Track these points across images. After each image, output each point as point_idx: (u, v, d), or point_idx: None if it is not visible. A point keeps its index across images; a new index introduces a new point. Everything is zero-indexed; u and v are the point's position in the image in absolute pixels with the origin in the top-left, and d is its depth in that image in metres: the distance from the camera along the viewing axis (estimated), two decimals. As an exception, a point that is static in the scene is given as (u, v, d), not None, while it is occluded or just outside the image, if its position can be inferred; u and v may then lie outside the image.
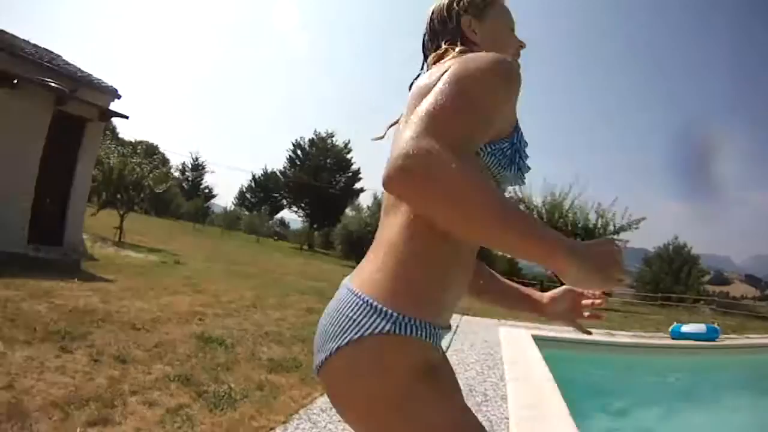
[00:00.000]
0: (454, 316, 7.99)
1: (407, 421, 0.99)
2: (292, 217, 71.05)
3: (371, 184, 63.75)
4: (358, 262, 1.19)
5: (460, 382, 1.19)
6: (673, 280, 39.50)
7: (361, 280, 1.08)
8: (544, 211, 25.75)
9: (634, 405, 5.03)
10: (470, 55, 1.08)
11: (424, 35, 1.34)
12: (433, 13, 1.31)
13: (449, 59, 1.14)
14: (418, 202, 0.88)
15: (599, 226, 25.34)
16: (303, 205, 63.09)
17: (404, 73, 1.34)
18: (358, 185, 64.48)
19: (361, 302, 1.03)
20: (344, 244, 35.48)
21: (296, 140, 64.07)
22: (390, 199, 1.16)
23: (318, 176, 60.68)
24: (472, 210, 0.84)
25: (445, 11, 1.28)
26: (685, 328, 8.03)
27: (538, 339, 5.97)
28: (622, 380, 5.60)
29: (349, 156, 64.34)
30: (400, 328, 0.99)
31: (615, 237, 24.99)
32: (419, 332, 1.01)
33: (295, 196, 63.52)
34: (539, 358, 4.57)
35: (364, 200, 58.99)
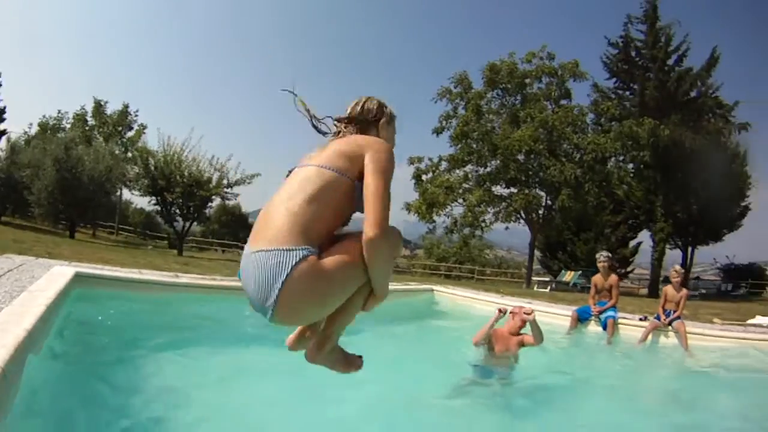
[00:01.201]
0: (26, 257, 7.38)
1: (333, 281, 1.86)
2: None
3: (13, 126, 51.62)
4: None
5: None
6: None
7: (269, 241, 1.85)
8: (162, 162, 24.59)
9: (194, 337, 5.40)
10: (380, 142, 2.13)
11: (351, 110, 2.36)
12: (363, 105, 2.34)
13: (366, 136, 2.20)
14: (378, 249, 1.88)
15: (213, 180, 25.88)
16: (-58, 145, 48.80)
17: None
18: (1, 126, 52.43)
19: (278, 251, 1.82)
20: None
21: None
22: (308, 187, 1.96)
23: (-38, 111, 47.32)
24: (389, 260, 2.01)
25: (375, 109, 2.32)
26: None
27: (84, 276, 5.85)
28: (177, 317, 5.93)
29: (-6, 91, 51.42)
30: (309, 252, 1.83)
31: (228, 191, 26.32)
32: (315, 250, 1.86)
33: (-62, 133, 48.61)
34: (57, 291, 4.39)
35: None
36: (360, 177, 1.99)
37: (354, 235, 1.97)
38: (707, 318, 10.89)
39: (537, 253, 32.10)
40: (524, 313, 5.52)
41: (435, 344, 7.29)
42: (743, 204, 32.91)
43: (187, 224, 27.47)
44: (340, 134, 2.27)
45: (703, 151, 27.22)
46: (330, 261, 1.86)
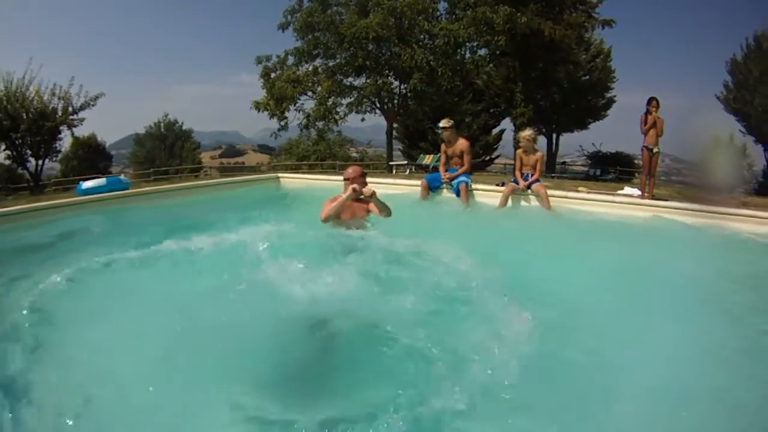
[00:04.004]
0: None
1: None
2: None
3: None
4: None
5: None
6: (168, 155, 40.26)
7: None
8: (5, 102, 23.44)
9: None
10: None
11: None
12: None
13: None
14: None
15: (59, 109, 24.96)
16: None
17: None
18: None
19: None
20: None
21: None
22: None
23: None
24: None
25: None
26: (87, 184, 8.52)
27: None
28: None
29: None
30: None
31: (74, 117, 25.55)
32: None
33: None
34: None
35: None
36: None
37: None
38: (572, 188, 10.71)
39: (399, 144, 32.33)
40: (357, 188, 5.17)
41: (283, 221, 6.88)
42: (608, 95, 33.90)
43: (41, 162, 26.28)
44: None
45: (565, 42, 27.35)
46: None
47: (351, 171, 5.41)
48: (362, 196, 5.21)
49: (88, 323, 3.55)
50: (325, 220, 5.23)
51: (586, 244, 5.69)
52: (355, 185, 5.17)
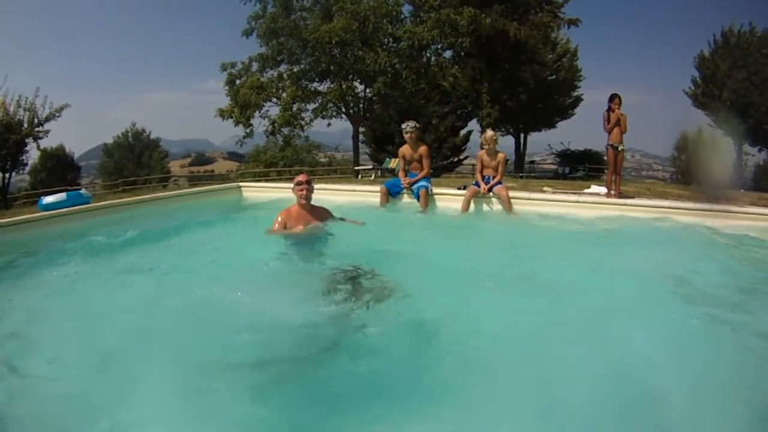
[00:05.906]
0: None
1: None
2: None
3: None
4: None
5: None
6: (136, 165, 39.99)
7: None
8: None
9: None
10: None
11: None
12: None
13: None
14: None
15: (25, 121, 24.71)
16: None
17: None
18: None
19: None
20: None
21: None
22: None
23: None
24: None
25: None
26: (47, 200, 8.23)
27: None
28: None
29: None
30: None
31: (40, 129, 25.08)
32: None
33: None
34: None
35: None
36: None
37: None
38: (537, 189, 10.53)
39: (366, 148, 32.60)
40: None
41: (240, 232, 6.91)
42: (575, 94, 34.26)
43: (7, 176, 25.90)
44: None
45: (530, 42, 27.57)
46: None
47: (299, 178, 5.42)
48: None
49: (45, 332, 3.49)
50: (272, 233, 5.25)
51: (546, 248, 5.64)
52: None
